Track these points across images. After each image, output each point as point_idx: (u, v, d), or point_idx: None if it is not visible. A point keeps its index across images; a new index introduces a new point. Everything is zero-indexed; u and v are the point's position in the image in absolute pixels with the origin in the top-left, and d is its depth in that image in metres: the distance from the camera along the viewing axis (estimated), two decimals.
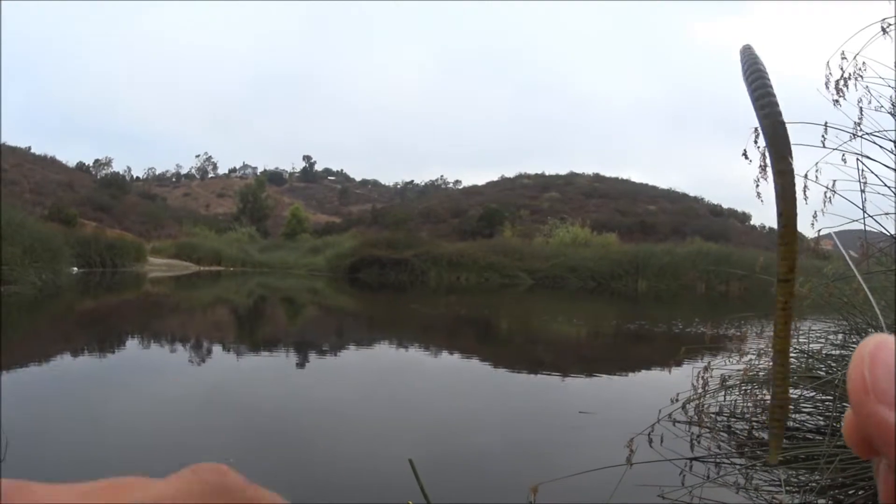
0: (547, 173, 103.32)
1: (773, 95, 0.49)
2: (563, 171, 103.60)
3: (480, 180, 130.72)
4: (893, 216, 4.95)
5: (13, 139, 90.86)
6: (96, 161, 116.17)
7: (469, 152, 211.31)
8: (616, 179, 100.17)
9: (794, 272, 0.48)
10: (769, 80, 0.50)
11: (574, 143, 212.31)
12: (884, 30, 4.84)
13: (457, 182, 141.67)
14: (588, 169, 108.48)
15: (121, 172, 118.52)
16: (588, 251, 44.70)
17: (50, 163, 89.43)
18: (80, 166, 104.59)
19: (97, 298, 23.44)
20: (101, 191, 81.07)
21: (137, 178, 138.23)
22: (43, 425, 6.08)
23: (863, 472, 4.08)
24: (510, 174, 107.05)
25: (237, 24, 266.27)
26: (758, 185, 4.86)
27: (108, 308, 20.09)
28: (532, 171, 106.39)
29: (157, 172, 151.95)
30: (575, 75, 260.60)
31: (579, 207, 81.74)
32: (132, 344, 12.48)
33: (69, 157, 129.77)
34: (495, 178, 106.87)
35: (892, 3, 4.86)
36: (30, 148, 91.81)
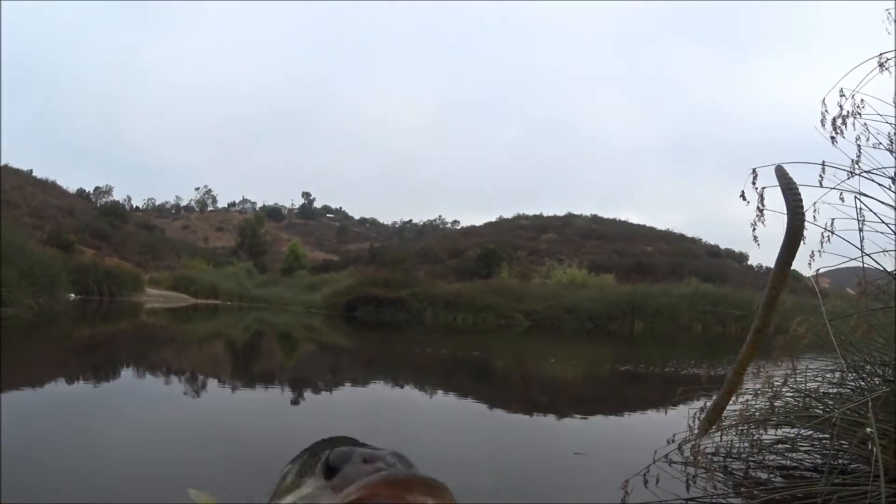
0: (545, 214, 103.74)
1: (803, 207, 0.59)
2: (561, 213, 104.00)
3: (478, 221, 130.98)
4: (893, 254, 4.98)
5: (15, 161, 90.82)
6: (97, 188, 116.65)
7: (468, 192, 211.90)
8: (614, 221, 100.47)
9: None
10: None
11: (572, 184, 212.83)
12: (881, 65, 4.89)
13: (455, 222, 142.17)
14: (586, 210, 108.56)
15: (121, 201, 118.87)
16: (585, 292, 44.70)
17: (51, 187, 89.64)
18: (81, 193, 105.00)
19: (94, 326, 23.37)
20: (101, 219, 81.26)
21: (137, 207, 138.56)
22: (37, 450, 6.04)
23: None
24: (508, 215, 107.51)
25: (241, 57, 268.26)
26: (755, 228, 4.89)
27: (104, 336, 20.03)
28: (530, 212, 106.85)
29: (156, 203, 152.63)
30: (575, 116, 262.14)
31: (577, 248, 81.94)
32: (127, 373, 12.43)
33: (70, 183, 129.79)
34: (493, 219, 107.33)
35: (892, 36, 4.91)
36: (31, 171, 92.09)
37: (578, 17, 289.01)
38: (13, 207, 65.49)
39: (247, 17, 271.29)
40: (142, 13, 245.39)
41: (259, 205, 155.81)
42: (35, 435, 6.76)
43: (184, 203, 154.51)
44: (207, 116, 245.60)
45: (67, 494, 4.76)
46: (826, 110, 5.00)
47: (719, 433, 6.58)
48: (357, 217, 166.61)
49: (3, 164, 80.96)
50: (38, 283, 24.10)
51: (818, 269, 5.15)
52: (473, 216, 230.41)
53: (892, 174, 5.01)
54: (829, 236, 4.94)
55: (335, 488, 0.99)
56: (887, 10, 5.16)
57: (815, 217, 4.89)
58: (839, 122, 4.91)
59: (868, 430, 4.06)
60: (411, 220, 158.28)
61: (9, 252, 22.44)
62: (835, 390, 5.91)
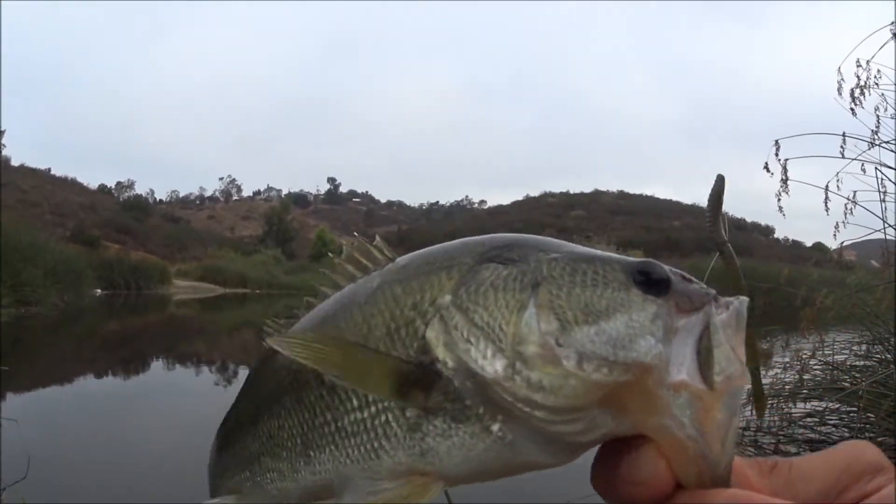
0: (571, 192, 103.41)
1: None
2: (587, 189, 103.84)
3: (505, 200, 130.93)
4: None
5: (32, 161, 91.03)
6: (118, 183, 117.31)
7: (494, 172, 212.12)
8: (640, 196, 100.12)
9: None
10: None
11: (598, 160, 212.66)
12: (894, 34, 4.81)
13: (482, 202, 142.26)
14: (612, 186, 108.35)
15: (143, 195, 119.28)
16: None
17: (71, 184, 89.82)
18: (102, 188, 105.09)
19: (121, 320, 23.54)
20: (124, 213, 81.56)
21: (160, 200, 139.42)
22: (64, 446, 6.10)
23: None
24: (535, 193, 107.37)
25: (262, 46, 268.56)
26: (779, 199, 4.83)
27: (132, 330, 20.17)
28: (557, 189, 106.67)
29: (180, 195, 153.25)
30: (599, 93, 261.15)
31: (605, 225, 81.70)
32: (157, 366, 12.52)
33: (90, 180, 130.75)
34: (520, 198, 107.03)
35: None
36: (49, 169, 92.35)
37: None
38: (33, 206, 65.80)
39: (265, 8, 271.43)
40: (159, 8, 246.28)
41: (284, 192, 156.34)
42: (61, 433, 6.83)
43: (208, 193, 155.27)
44: (229, 107, 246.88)
45: (93, 485, 4.81)
46: (842, 79, 4.93)
47: (750, 407, 6.54)
48: (384, 200, 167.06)
49: (19, 164, 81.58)
50: (62, 280, 24.23)
51: (842, 242, 5.09)
52: (500, 195, 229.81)
53: None
54: (852, 208, 4.88)
55: (680, 306, 0.73)
56: None
57: (838, 188, 4.83)
58: (857, 91, 4.84)
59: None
60: (438, 202, 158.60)
61: (31, 252, 22.59)
62: (861, 363, 5.85)
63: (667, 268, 0.75)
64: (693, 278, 0.77)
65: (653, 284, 0.74)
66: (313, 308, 0.98)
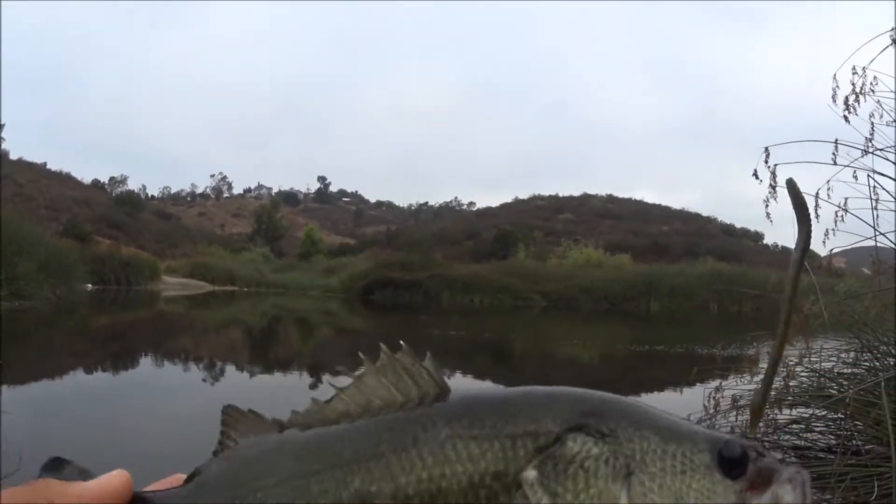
0: (560, 195, 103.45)
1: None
2: (576, 193, 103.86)
3: (494, 202, 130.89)
4: None
5: (29, 155, 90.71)
6: (111, 178, 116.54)
7: (483, 174, 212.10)
8: (629, 200, 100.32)
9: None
10: None
11: (588, 164, 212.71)
12: (894, 41, 4.82)
13: (471, 204, 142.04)
14: (601, 190, 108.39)
15: (136, 191, 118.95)
16: (601, 272, 44.62)
17: (65, 179, 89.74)
18: (96, 183, 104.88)
19: (112, 316, 23.50)
20: (117, 208, 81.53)
21: (152, 196, 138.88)
22: (55, 441, 6.09)
23: (875, 490, 4.05)
24: (524, 196, 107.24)
25: (259, 45, 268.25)
26: (767, 206, 4.85)
27: (122, 325, 20.14)
28: (546, 192, 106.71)
29: (172, 191, 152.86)
30: (590, 96, 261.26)
31: (593, 228, 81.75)
32: (146, 362, 12.51)
33: (84, 174, 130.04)
34: (509, 200, 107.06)
35: None
36: (45, 164, 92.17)
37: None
38: (29, 200, 65.77)
39: (262, 8, 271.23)
40: (158, 6, 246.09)
41: (275, 190, 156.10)
42: (54, 427, 6.83)
43: (199, 190, 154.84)
44: (221, 105, 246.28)
45: None
46: (837, 86, 4.95)
47: (735, 413, 6.57)
48: (373, 200, 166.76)
49: (17, 157, 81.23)
50: (55, 274, 24.21)
51: (832, 249, 5.11)
52: (489, 197, 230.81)
53: None
54: (843, 215, 4.89)
55: (754, 487, 0.74)
56: None
57: (829, 195, 4.85)
58: (851, 99, 4.86)
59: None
60: (427, 203, 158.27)
61: (25, 245, 22.55)
62: (849, 370, 5.88)
63: (744, 442, 0.76)
64: (764, 451, 0.77)
65: (734, 465, 0.74)
66: (335, 415, 0.80)
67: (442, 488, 0.72)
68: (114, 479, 0.77)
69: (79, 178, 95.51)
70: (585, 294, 40.94)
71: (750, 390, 6.50)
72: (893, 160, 4.95)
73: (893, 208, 4.95)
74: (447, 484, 0.72)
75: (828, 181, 4.84)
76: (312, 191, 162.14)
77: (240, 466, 0.81)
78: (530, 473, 0.72)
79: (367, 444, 0.75)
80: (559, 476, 0.71)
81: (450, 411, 0.77)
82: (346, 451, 0.75)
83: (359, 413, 0.78)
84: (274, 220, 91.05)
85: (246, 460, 0.82)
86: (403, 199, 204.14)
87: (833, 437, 5.61)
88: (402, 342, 0.81)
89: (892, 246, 5.05)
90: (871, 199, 4.85)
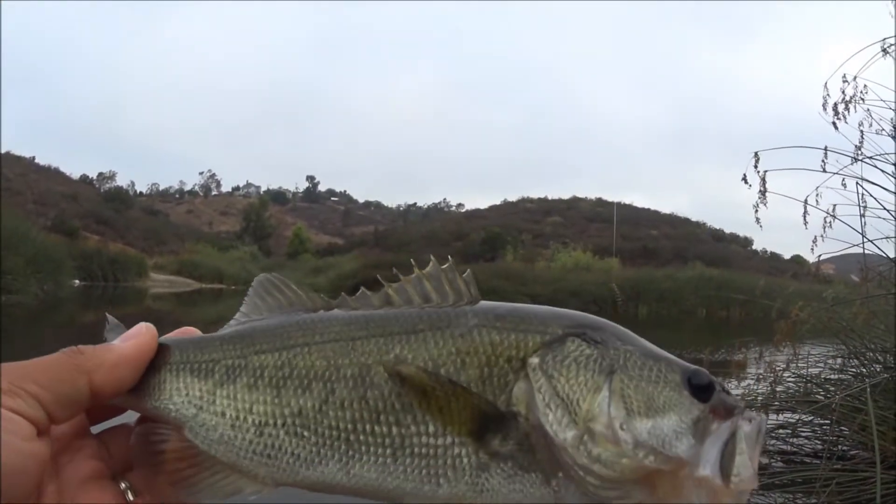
0: (550, 197, 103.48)
1: None
2: (565, 196, 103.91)
3: (483, 204, 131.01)
4: (894, 240, 4.95)
5: (16, 148, 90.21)
6: (100, 174, 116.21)
7: (472, 175, 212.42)
8: (619, 204, 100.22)
9: None
10: None
11: (577, 167, 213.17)
12: (884, 50, 4.85)
13: (459, 205, 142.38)
14: (591, 193, 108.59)
15: (124, 187, 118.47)
16: (590, 276, 44.61)
17: (54, 174, 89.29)
18: (84, 179, 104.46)
19: (99, 312, 23.37)
20: (105, 204, 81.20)
21: (141, 192, 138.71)
22: None
23: (860, 495, 4.07)
24: (513, 198, 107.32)
25: (248, 42, 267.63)
26: (757, 211, 4.87)
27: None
28: (535, 195, 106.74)
29: (160, 188, 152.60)
30: (579, 100, 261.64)
31: (581, 232, 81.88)
32: None
33: (73, 170, 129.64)
34: (498, 202, 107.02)
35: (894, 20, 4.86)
36: (34, 158, 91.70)
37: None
38: (17, 195, 65.32)
39: (252, 7, 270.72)
40: (149, 4, 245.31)
41: (263, 189, 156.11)
42: None
43: (188, 188, 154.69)
44: (211, 102, 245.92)
45: None
46: (828, 94, 4.98)
47: None
48: (362, 200, 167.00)
49: (4, 151, 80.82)
50: (42, 270, 24.10)
51: (820, 256, 5.14)
52: (478, 199, 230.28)
53: (895, 160, 4.98)
54: (831, 222, 4.92)
55: (716, 413, 0.87)
56: None
57: (817, 202, 4.88)
58: (841, 107, 4.88)
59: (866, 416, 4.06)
60: (416, 204, 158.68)
61: (14, 240, 22.45)
62: (836, 376, 5.91)
63: (713, 377, 0.91)
64: (729, 391, 0.92)
65: (700, 390, 0.89)
66: (380, 303, 0.99)
67: (465, 362, 0.90)
68: (142, 335, 0.94)
69: (67, 174, 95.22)
70: (574, 297, 40.93)
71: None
72: (882, 168, 4.98)
73: (881, 216, 4.98)
74: (470, 359, 0.90)
75: (817, 188, 4.86)
76: (301, 190, 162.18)
77: (287, 325, 0.97)
78: (534, 360, 0.90)
79: (408, 322, 0.93)
80: (557, 364, 0.89)
81: (479, 309, 0.95)
82: (389, 325, 0.93)
83: (400, 304, 0.97)
84: (262, 218, 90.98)
85: (293, 321, 0.98)
86: (392, 199, 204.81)
87: (819, 443, 5.64)
88: (449, 257, 1.00)
89: (881, 253, 5.08)
90: (859, 206, 4.88)
